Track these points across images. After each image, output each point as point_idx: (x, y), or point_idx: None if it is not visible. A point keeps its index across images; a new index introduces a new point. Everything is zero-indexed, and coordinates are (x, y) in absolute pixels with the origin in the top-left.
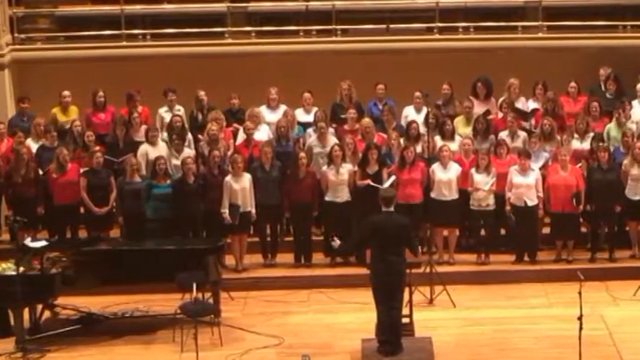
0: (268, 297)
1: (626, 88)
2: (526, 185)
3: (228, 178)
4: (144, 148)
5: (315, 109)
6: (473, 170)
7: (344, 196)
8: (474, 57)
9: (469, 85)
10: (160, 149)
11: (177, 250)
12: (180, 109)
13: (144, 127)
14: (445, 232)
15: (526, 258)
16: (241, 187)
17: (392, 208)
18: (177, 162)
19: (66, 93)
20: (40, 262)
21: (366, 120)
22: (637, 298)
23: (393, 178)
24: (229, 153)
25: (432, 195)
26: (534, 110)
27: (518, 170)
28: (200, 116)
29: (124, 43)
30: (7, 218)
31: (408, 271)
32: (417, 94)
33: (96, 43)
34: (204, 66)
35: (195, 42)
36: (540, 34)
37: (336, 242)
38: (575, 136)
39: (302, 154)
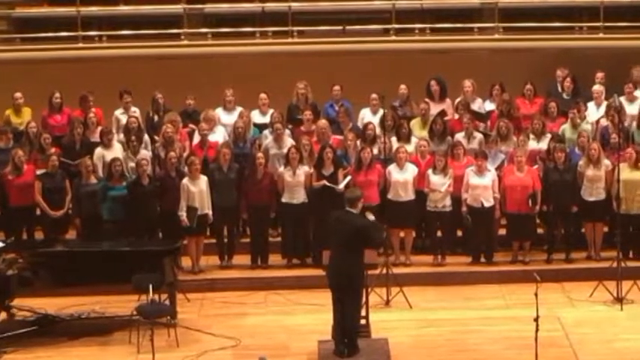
0: (225, 298)
1: (582, 89)
2: (483, 186)
3: (185, 180)
4: (99, 151)
5: (271, 110)
6: (430, 171)
7: (300, 197)
8: (430, 58)
9: (425, 87)
10: (116, 151)
11: (134, 251)
12: (135, 111)
13: (100, 129)
14: (401, 234)
15: (482, 259)
16: (198, 189)
17: (355, 210)
18: (133, 164)
19: (18, 95)
20: None
21: (322, 122)
22: (593, 299)
23: (348, 178)
24: (185, 154)
25: (389, 196)
26: (490, 112)
27: (475, 171)
28: (156, 118)
29: (81, 45)
30: None
31: (361, 275)
32: (374, 95)
33: (52, 45)
34: (161, 67)
35: (151, 43)
36: (497, 36)
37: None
38: (532, 136)
39: (260, 155)
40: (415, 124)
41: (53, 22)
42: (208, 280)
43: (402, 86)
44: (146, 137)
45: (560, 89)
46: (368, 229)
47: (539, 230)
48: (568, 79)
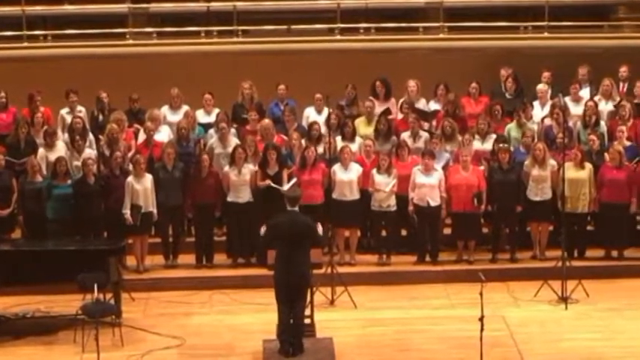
0: (170, 298)
1: (526, 88)
2: (429, 185)
3: (130, 178)
4: (42, 151)
5: (216, 110)
6: (374, 171)
7: (246, 196)
8: (375, 58)
9: (370, 87)
10: (59, 151)
11: (79, 250)
12: (81, 110)
13: (44, 129)
14: (346, 233)
15: (427, 258)
16: (143, 187)
17: (297, 208)
18: (78, 163)
19: None
20: None
21: (265, 121)
22: (538, 299)
23: (294, 180)
24: (130, 153)
25: (334, 196)
26: (435, 111)
27: (422, 170)
28: (101, 117)
29: (26, 44)
30: None
31: (311, 274)
32: (318, 95)
33: None
34: (106, 67)
35: (96, 43)
36: (441, 35)
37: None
38: (477, 136)
39: (204, 155)
40: (360, 122)
41: None
42: (153, 279)
43: (350, 86)
44: (91, 136)
45: (503, 89)
46: (315, 227)
47: (484, 230)
48: (510, 78)
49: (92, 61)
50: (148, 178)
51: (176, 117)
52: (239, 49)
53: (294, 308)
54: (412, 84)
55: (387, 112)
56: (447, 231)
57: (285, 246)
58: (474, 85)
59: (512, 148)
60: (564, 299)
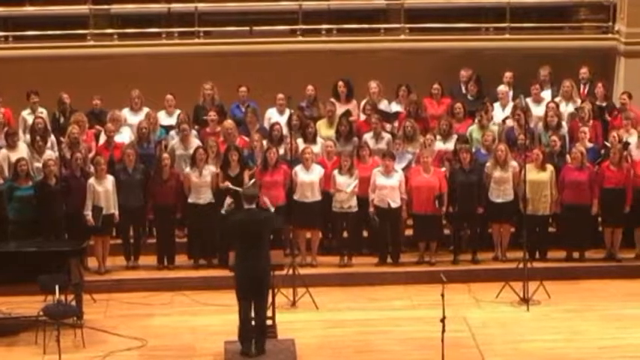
0: (131, 299)
1: (487, 90)
2: (390, 187)
3: (91, 180)
4: (4, 152)
5: (177, 111)
6: (335, 172)
7: (207, 197)
8: (337, 59)
9: (332, 87)
10: (21, 152)
11: (40, 252)
12: (43, 112)
13: (5, 130)
14: (308, 234)
15: (389, 260)
16: (104, 189)
17: (254, 205)
18: (39, 164)
19: None
20: None
21: (228, 122)
22: (499, 300)
23: (253, 181)
24: (91, 155)
25: (295, 197)
26: (397, 113)
27: (382, 172)
28: (62, 118)
29: None
30: None
31: (271, 272)
32: (280, 95)
33: None
34: (67, 68)
35: (57, 44)
36: (403, 37)
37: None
38: (439, 137)
39: (165, 156)
40: (321, 124)
41: None
42: (114, 280)
43: (310, 87)
44: (52, 138)
45: (464, 90)
46: (272, 219)
47: (446, 231)
48: (472, 82)
49: (53, 62)
50: (110, 180)
51: (137, 118)
52: (200, 50)
53: (256, 308)
54: (374, 85)
55: (348, 114)
56: (409, 232)
57: (243, 243)
58: (435, 86)
59: (473, 150)
60: (526, 300)
